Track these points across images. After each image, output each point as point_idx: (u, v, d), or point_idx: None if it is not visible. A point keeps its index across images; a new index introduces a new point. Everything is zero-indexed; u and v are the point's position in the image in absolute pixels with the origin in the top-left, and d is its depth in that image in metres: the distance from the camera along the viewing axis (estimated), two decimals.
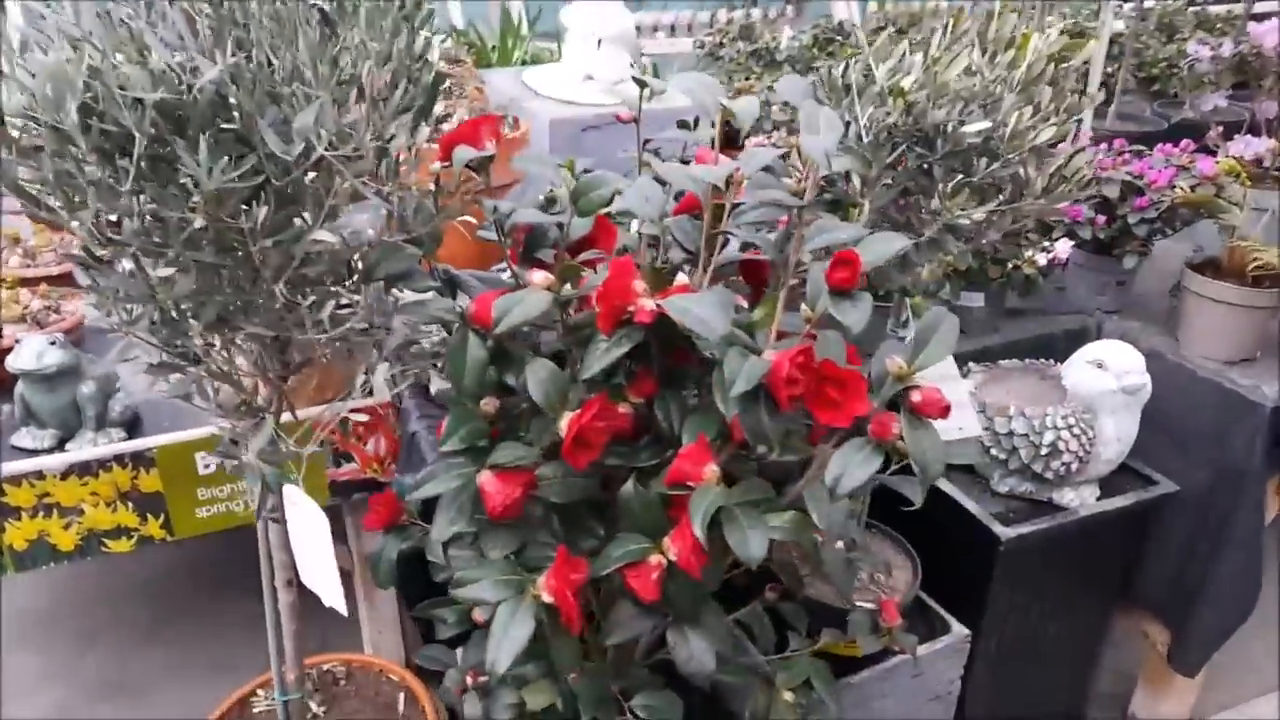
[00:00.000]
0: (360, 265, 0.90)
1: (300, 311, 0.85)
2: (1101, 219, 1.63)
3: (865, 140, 0.98)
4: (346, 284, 0.91)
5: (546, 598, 0.82)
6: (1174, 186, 1.60)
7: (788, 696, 1.13)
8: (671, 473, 0.84)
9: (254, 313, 0.86)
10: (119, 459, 1.24)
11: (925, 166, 1.00)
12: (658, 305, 0.82)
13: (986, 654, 1.45)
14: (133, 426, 1.38)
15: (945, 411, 0.79)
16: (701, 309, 0.80)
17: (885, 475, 0.90)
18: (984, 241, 1.03)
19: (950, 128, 0.96)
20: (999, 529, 1.34)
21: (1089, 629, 1.59)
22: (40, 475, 1.22)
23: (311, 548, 1.08)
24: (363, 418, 1.39)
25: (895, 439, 0.79)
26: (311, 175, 0.77)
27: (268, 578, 1.14)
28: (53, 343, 1.27)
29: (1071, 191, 0.99)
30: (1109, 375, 1.37)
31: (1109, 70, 2.68)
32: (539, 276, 0.87)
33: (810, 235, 0.87)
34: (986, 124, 0.94)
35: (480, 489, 0.87)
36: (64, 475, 1.23)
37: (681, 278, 0.96)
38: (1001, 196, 1.01)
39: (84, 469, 1.23)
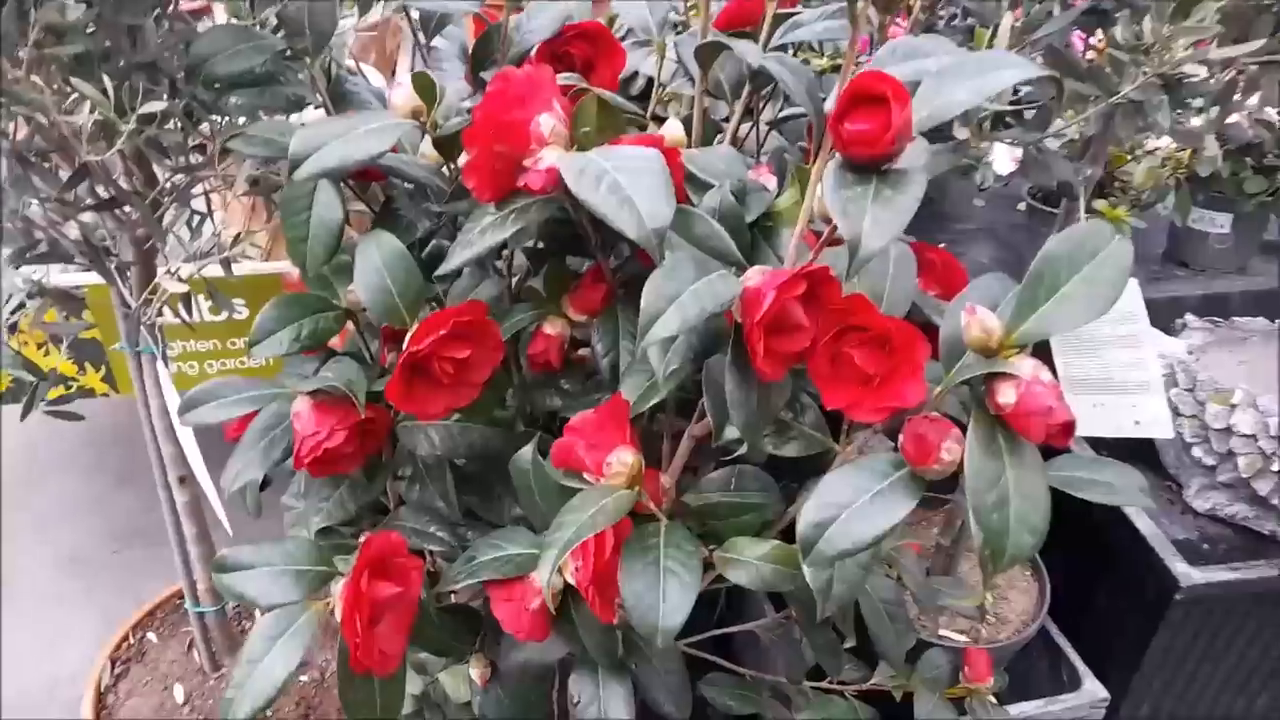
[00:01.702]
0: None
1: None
2: None
3: None
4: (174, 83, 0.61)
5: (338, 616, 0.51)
6: None
7: None
8: (556, 452, 0.50)
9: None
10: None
11: None
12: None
13: None
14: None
15: (1063, 433, 0.39)
16: (629, 176, 0.44)
17: None
18: (1236, 114, 0.59)
19: None
20: (1181, 567, 0.91)
21: None
22: None
23: (187, 443, 0.83)
24: None
25: (947, 468, 0.40)
26: None
27: (159, 473, 0.90)
28: None
29: None
30: None
31: None
32: (402, 95, 0.52)
33: (876, 65, 0.47)
34: None
35: (291, 424, 0.56)
36: None
37: (673, 126, 0.59)
38: None
39: None
